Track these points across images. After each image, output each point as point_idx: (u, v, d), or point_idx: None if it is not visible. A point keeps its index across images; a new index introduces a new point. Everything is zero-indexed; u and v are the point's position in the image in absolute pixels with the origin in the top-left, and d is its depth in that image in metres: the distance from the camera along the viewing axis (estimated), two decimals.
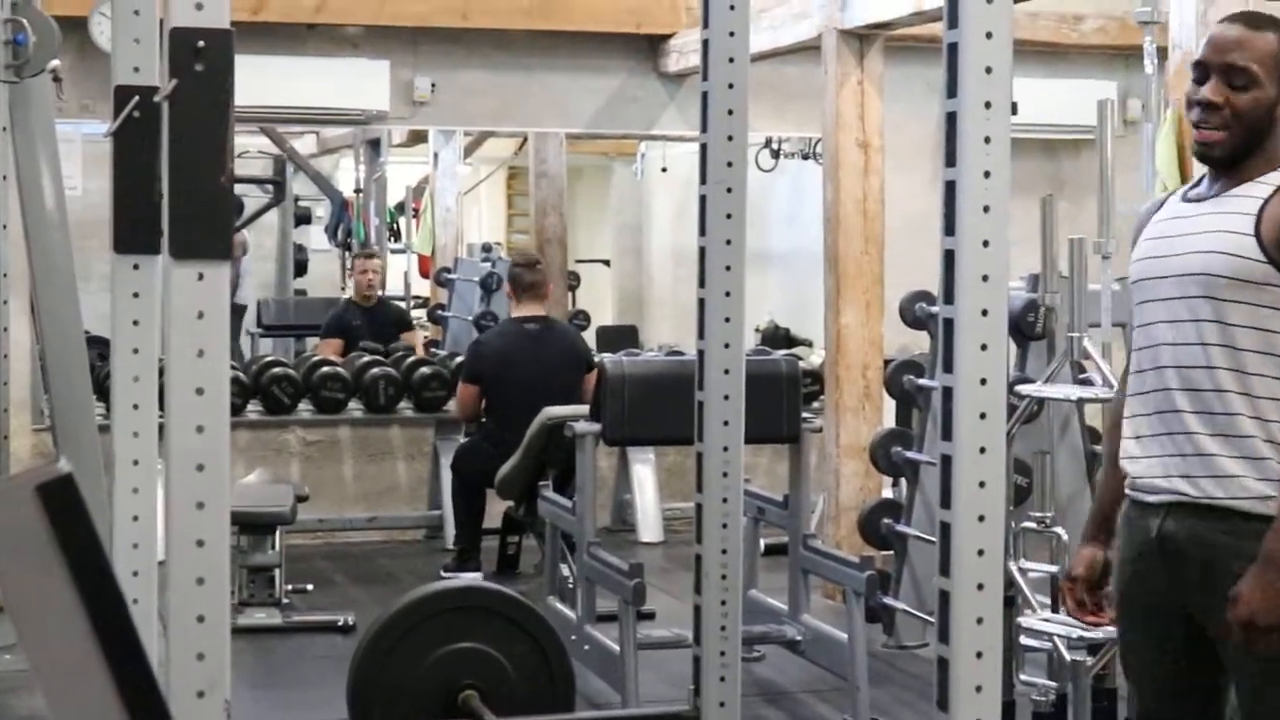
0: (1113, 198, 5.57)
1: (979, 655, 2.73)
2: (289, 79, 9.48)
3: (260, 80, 8.94)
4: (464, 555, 8.55)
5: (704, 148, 3.99)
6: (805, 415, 6.71)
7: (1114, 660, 5.35)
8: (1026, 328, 6.35)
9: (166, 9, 2.48)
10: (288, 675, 6.86)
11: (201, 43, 2.45)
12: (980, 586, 2.73)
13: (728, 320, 4.00)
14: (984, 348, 2.72)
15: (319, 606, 7.65)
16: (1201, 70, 3.23)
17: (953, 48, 2.71)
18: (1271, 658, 3.07)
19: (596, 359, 7.92)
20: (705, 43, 3.98)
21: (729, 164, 3.97)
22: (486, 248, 12.55)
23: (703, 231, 4.00)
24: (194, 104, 2.46)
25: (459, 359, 9.75)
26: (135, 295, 3.56)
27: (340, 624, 7.35)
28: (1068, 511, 6.15)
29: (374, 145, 13.99)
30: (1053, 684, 5.28)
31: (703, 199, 4.00)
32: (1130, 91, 9.79)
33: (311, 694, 6.49)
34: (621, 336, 13.07)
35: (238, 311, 12.90)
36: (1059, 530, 5.43)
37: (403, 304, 13.17)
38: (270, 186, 12.94)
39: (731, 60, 3.96)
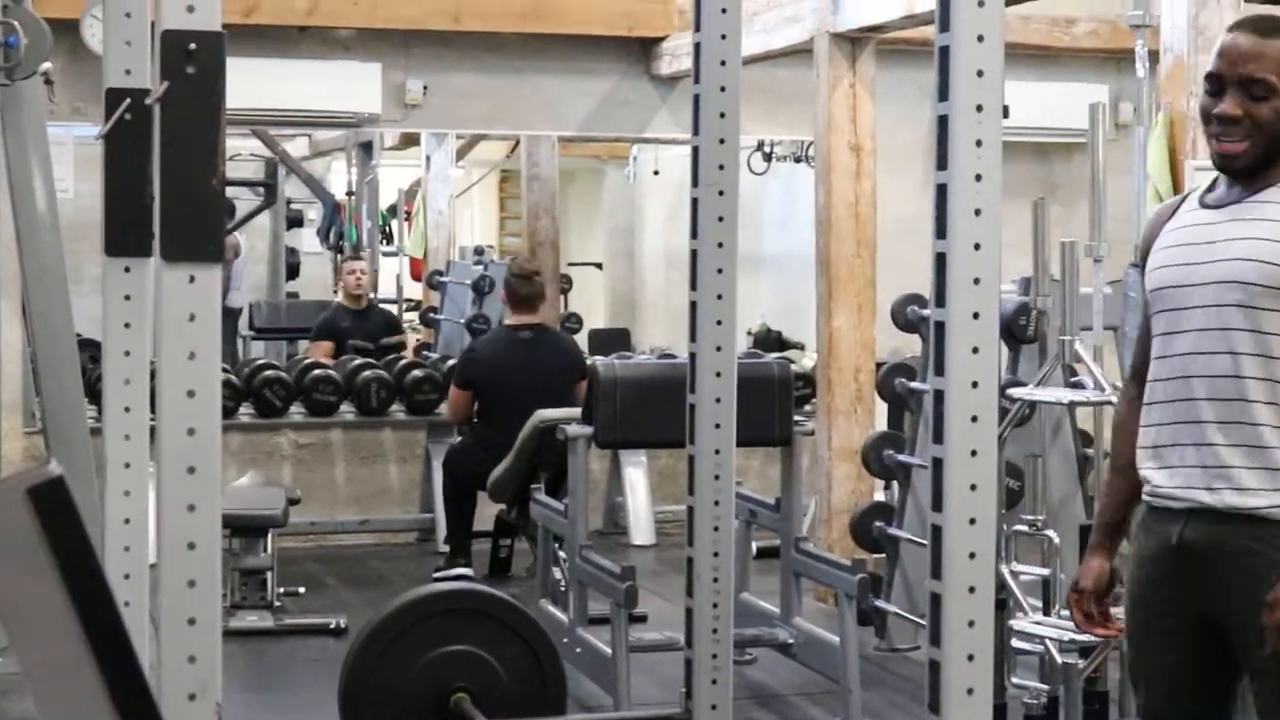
0: (1104, 201, 5.57)
1: (970, 658, 2.74)
2: (281, 82, 9.48)
3: (252, 83, 8.93)
4: (455, 554, 8.55)
5: (696, 150, 3.99)
6: (797, 418, 6.71)
7: (1105, 663, 5.36)
8: (1018, 331, 6.36)
9: (158, 12, 2.48)
10: (280, 678, 6.86)
11: (193, 45, 2.45)
12: (972, 589, 2.74)
13: (719, 323, 4.00)
14: (975, 351, 2.72)
15: (311, 609, 7.64)
16: (1216, 82, 3.19)
17: (944, 51, 2.71)
18: None
19: (589, 363, 7.91)
20: (697, 46, 3.98)
21: (721, 167, 3.98)
22: (479, 251, 12.56)
23: (694, 234, 4.00)
24: (185, 106, 2.46)
25: (451, 362, 9.74)
26: (127, 298, 3.55)
27: (332, 627, 7.34)
28: (1059, 514, 6.16)
29: (366, 148, 13.98)
30: (1044, 687, 5.28)
31: (694, 202, 4.00)
32: (1122, 95, 9.81)
33: (303, 697, 6.48)
34: (613, 339, 13.06)
35: (230, 315, 12.88)
36: (1050, 533, 5.44)
37: (394, 307, 13.18)
38: (262, 189, 12.94)
39: (723, 63, 3.96)
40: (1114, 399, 5.29)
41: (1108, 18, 9.11)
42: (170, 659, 2.46)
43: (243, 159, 13.48)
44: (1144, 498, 3.29)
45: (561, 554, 6.90)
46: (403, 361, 9.83)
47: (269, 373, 9.32)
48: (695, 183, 4.00)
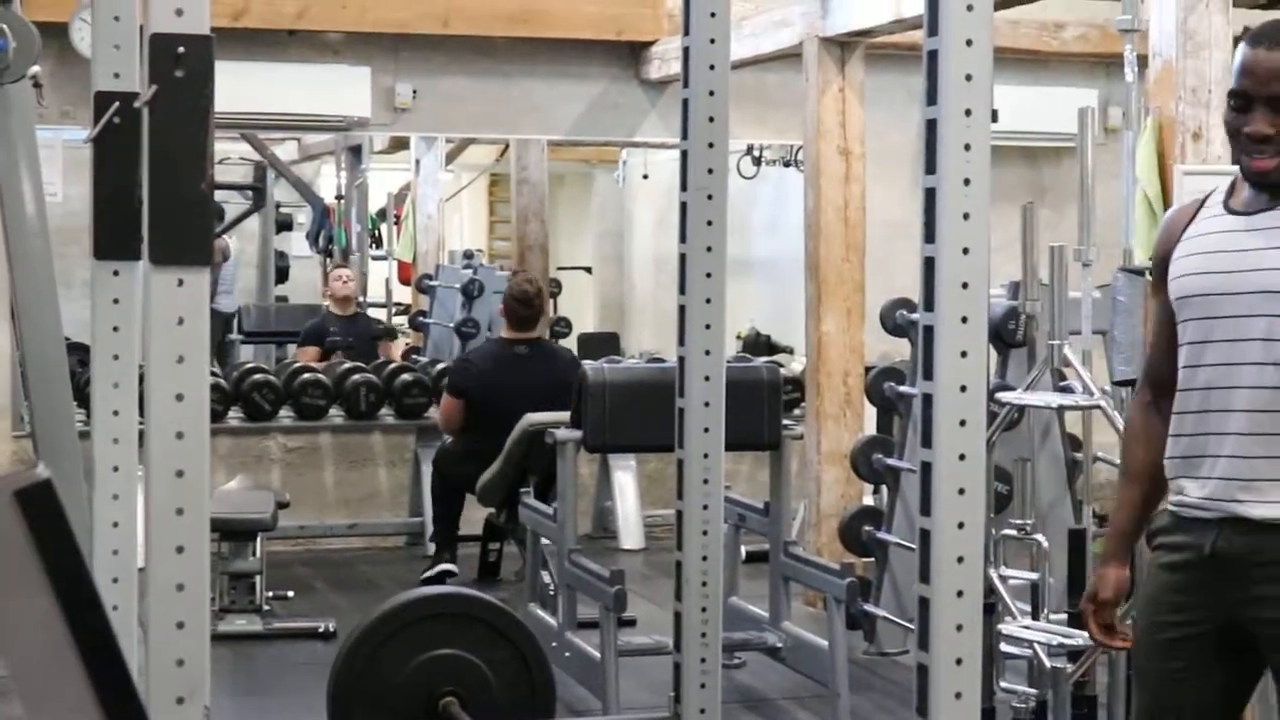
0: (1093, 206, 5.58)
1: (959, 662, 2.74)
2: (270, 85, 9.47)
3: (241, 86, 8.92)
4: (440, 551, 8.57)
5: (685, 155, 4.00)
6: (786, 422, 6.72)
7: (1094, 668, 5.36)
8: (1007, 335, 6.36)
9: (147, 15, 2.48)
10: (268, 682, 6.86)
11: (181, 49, 2.44)
12: (960, 593, 2.74)
13: (708, 327, 4.00)
14: (964, 355, 2.72)
15: (300, 613, 7.63)
16: (1243, 99, 3.14)
17: (933, 55, 2.72)
18: None
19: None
20: (686, 50, 3.98)
21: (710, 171, 3.98)
22: (468, 254, 12.55)
23: (683, 238, 4.01)
24: (174, 110, 2.45)
25: (440, 365, 9.74)
26: (115, 301, 3.55)
27: (321, 631, 7.34)
28: (1048, 519, 6.17)
29: (355, 152, 13.98)
30: (1033, 691, 5.29)
31: (683, 206, 4.00)
32: (1111, 99, 9.82)
33: (292, 701, 6.48)
34: (603, 343, 13.06)
35: (219, 319, 12.86)
36: (1039, 537, 5.44)
37: (383, 311, 13.20)
38: (250, 193, 12.93)
39: (712, 67, 3.96)
40: (1103, 403, 5.30)
41: (1097, 22, 9.12)
42: (158, 663, 2.46)
43: (232, 162, 13.47)
44: (1170, 506, 3.25)
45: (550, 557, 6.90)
46: (392, 365, 9.82)
47: (258, 376, 9.31)
48: (684, 187, 4.00)
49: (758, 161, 12.10)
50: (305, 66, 9.57)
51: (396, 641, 4.75)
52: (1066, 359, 5.43)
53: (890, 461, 6.69)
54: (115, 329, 3.55)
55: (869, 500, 7.38)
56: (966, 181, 2.70)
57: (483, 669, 4.74)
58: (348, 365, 9.67)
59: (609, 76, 10.01)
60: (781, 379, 6.81)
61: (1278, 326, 3.10)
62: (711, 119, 3.98)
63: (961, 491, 2.73)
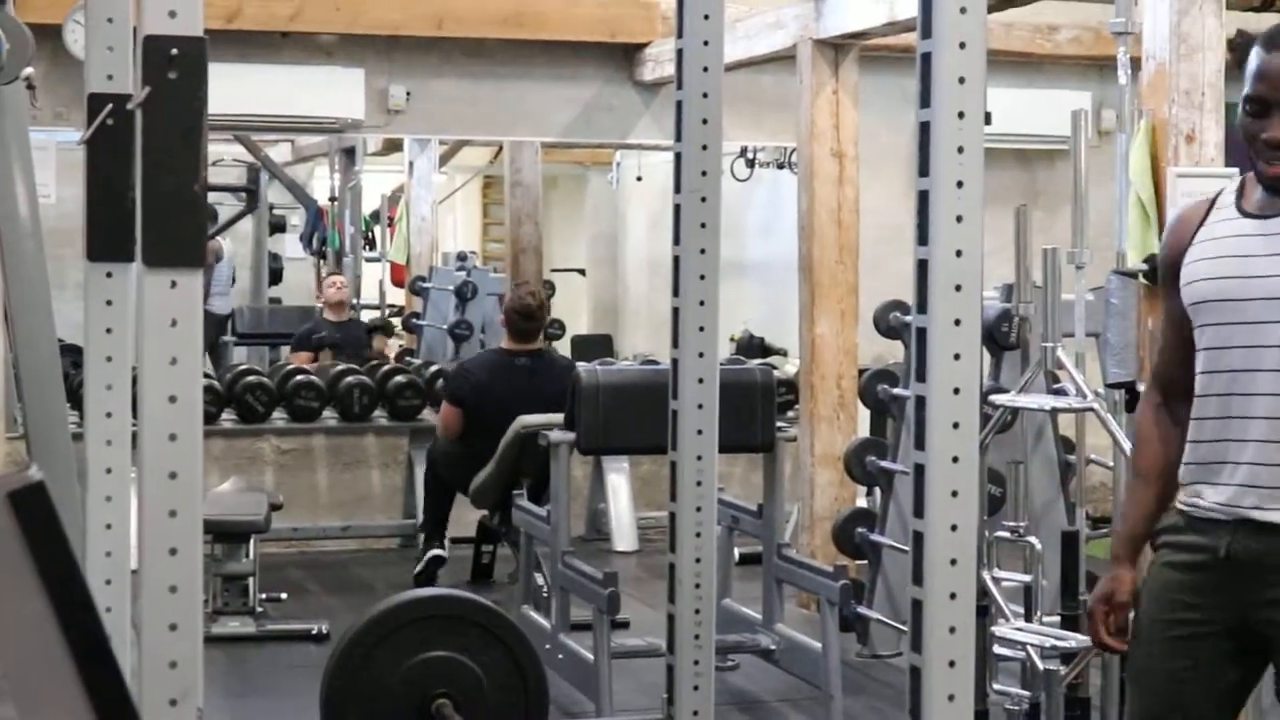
0: (1087, 208, 5.58)
1: (951, 664, 2.74)
2: (264, 87, 9.47)
3: (235, 88, 8.92)
4: (429, 539, 8.60)
5: (678, 157, 3.99)
6: (780, 424, 6.71)
7: (1087, 670, 5.36)
8: (1000, 337, 6.36)
9: (140, 17, 2.47)
10: (261, 684, 6.85)
11: (175, 50, 2.44)
12: (953, 596, 2.74)
13: (702, 329, 4.00)
14: (957, 357, 2.72)
15: (293, 615, 7.63)
16: (1260, 105, 3.11)
17: (926, 58, 2.72)
18: None
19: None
20: (680, 52, 3.98)
21: (703, 173, 3.98)
22: (461, 256, 12.56)
23: (677, 240, 4.00)
24: (167, 112, 2.45)
25: (434, 368, 9.75)
26: (108, 303, 3.55)
27: (314, 633, 7.33)
28: (1041, 521, 6.17)
29: (349, 153, 13.98)
30: (1026, 693, 5.29)
31: (677, 208, 4.00)
32: (1105, 102, 9.83)
33: (285, 703, 6.47)
34: (596, 345, 13.07)
35: (210, 320, 12.85)
36: (1032, 540, 5.45)
37: (377, 312, 13.20)
38: (244, 194, 12.94)
39: (706, 69, 3.96)
40: (1096, 406, 5.31)
41: (1090, 25, 9.13)
42: (151, 664, 2.46)
43: (225, 164, 13.47)
44: (1182, 507, 3.22)
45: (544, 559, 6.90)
46: (385, 368, 9.83)
47: (251, 378, 9.30)
48: (678, 189, 4.00)
49: (751, 164, 12.10)
50: (299, 68, 9.56)
51: (389, 643, 4.75)
52: (1060, 361, 5.43)
53: (884, 464, 6.69)
54: (108, 331, 3.55)
55: (862, 502, 7.38)
56: (960, 184, 2.70)
57: (476, 671, 4.74)
58: (341, 367, 9.67)
59: (603, 78, 10.01)
60: (775, 381, 6.81)
61: None
62: (705, 121, 3.97)
63: (954, 494, 2.73)
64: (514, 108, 9.94)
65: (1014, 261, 5.64)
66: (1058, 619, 5.45)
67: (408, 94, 9.74)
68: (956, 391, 2.72)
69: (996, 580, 5.43)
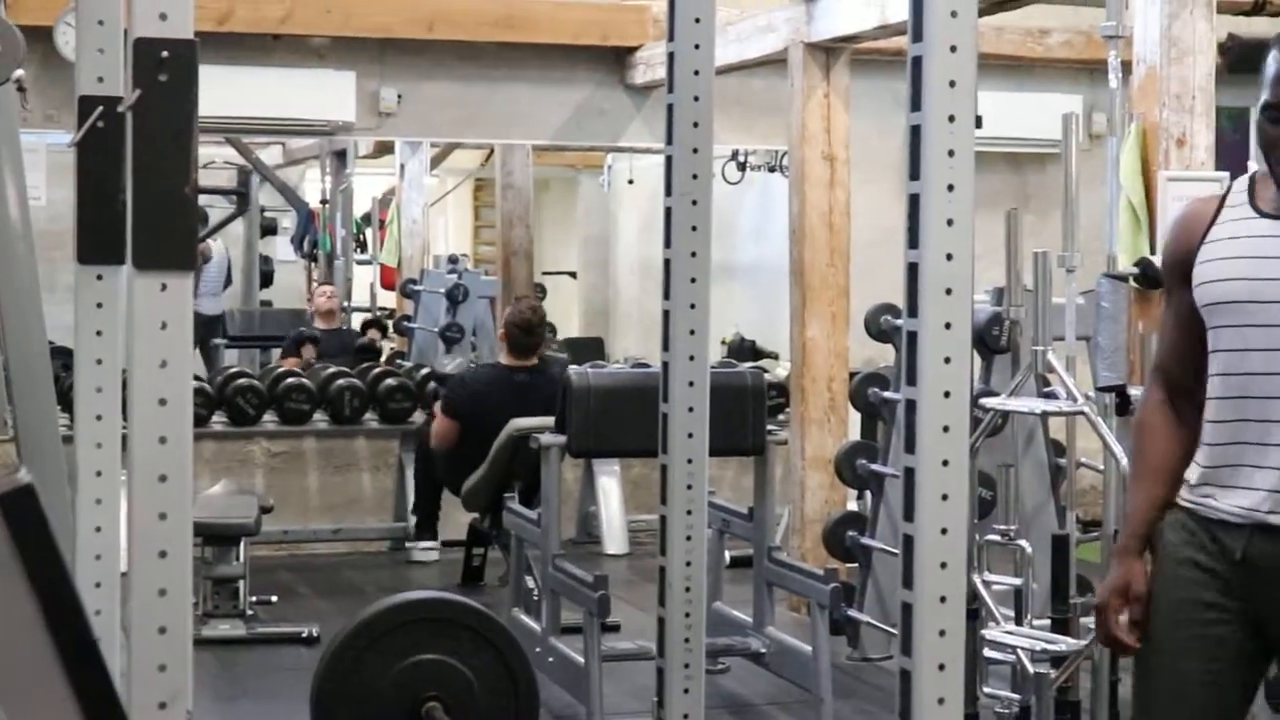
0: (1077, 211, 5.59)
1: (941, 668, 2.74)
2: (255, 89, 9.46)
3: (226, 91, 8.91)
4: (421, 527, 8.60)
5: (669, 160, 3.99)
6: (770, 428, 6.72)
7: (1077, 673, 5.37)
8: (991, 341, 6.38)
9: (131, 19, 2.47)
10: (251, 687, 6.85)
11: (165, 53, 2.44)
12: (943, 599, 2.74)
13: (692, 332, 4.00)
14: (947, 361, 2.72)
15: (283, 618, 7.63)
16: (1276, 111, 3.09)
17: (916, 61, 2.72)
18: None
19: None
20: (670, 55, 3.98)
21: (694, 176, 3.98)
22: (453, 259, 12.55)
23: (668, 244, 4.00)
24: (158, 114, 2.45)
25: (424, 370, 9.74)
26: (99, 306, 3.54)
27: (304, 636, 7.33)
28: (1032, 524, 6.18)
29: (340, 156, 13.98)
30: (1016, 696, 5.29)
31: (668, 211, 4.00)
32: (1096, 105, 9.83)
33: (275, 706, 6.47)
34: (587, 348, 13.07)
35: (202, 321, 12.85)
36: (1023, 543, 5.45)
37: (368, 314, 13.20)
38: (234, 197, 12.93)
39: (696, 73, 3.96)
40: (1086, 409, 5.31)
41: (1081, 28, 9.14)
42: (141, 667, 2.46)
43: (216, 167, 13.46)
44: (1190, 507, 3.19)
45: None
46: (376, 370, 9.82)
47: (242, 381, 9.30)
48: (668, 192, 4.00)
49: (743, 167, 12.12)
50: (290, 71, 9.55)
51: (380, 646, 4.75)
52: (1050, 365, 5.44)
53: (874, 467, 6.70)
54: (98, 333, 3.55)
55: (853, 505, 7.39)
56: (950, 187, 2.70)
57: (466, 674, 4.74)
58: (332, 370, 9.66)
59: (594, 81, 10.01)
60: (766, 384, 6.81)
61: None
62: (696, 124, 3.97)
63: (944, 497, 2.73)
64: (505, 110, 9.93)
65: (1005, 265, 5.65)
66: (1048, 622, 5.45)
67: (399, 96, 9.74)
68: (947, 395, 2.72)
69: (987, 583, 5.43)
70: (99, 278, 3.55)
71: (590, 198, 16.26)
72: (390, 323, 13.01)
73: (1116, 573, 3.26)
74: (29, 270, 4.37)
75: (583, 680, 5.99)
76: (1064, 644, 5.23)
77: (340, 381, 9.40)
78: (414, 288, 12.36)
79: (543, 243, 14.97)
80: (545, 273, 15.18)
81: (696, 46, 3.96)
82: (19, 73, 5.02)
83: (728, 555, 7.26)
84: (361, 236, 14.87)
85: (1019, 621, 5.41)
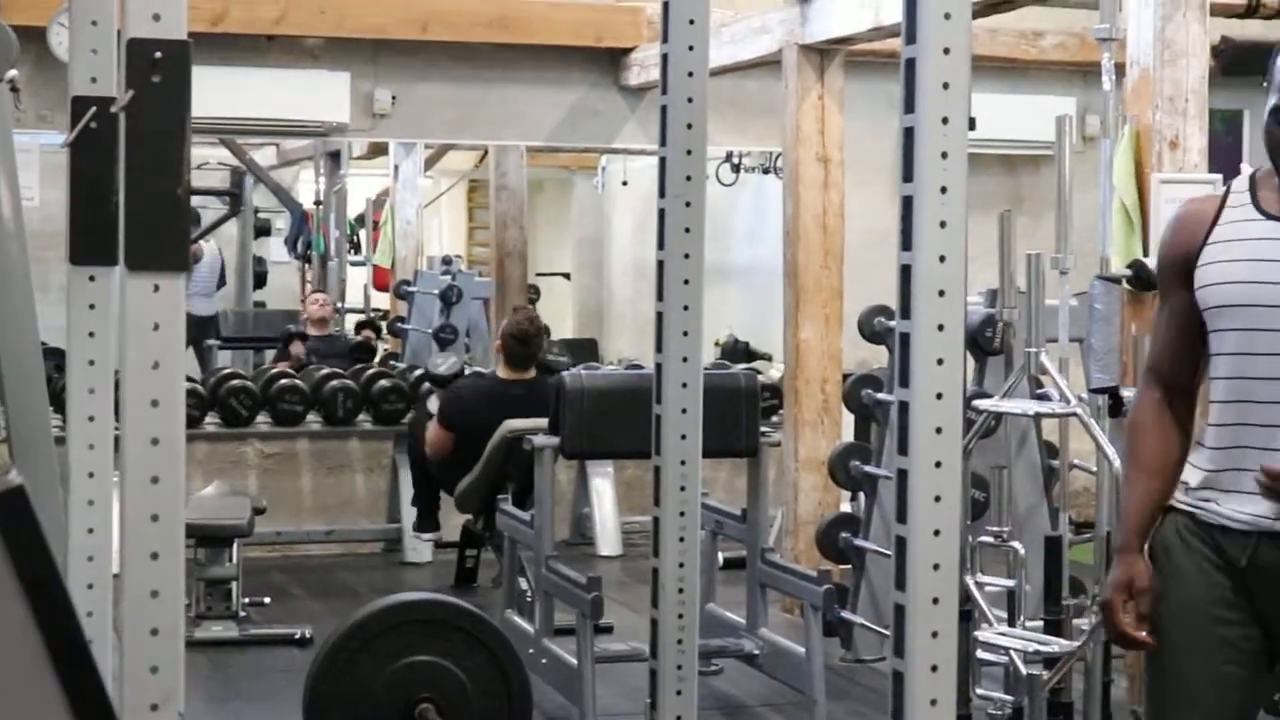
0: (1071, 213, 5.60)
1: (934, 669, 2.74)
2: (249, 90, 9.46)
3: (220, 91, 8.92)
4: (422, 518, 8.64)
5: (663, 161, 3.99)
6: (764, 429, 6.72)
7: (1070, 674, 5.37)
8: (984, 342, 6.37)
9: (124, 20, 2.47)
10: (244, 688, 6.84)
11: (159, 54, 2.44)
12: (935, 600, 2.74)
13: (686, 334, 4.00)
14: (940, 362, 2.72)
15: (276, 619, 7.62)
16: None
17: (910, 63, 2.72)
18: None
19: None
20: (664, 57, 3.98)
21: (688, 178, 3.97)
22: (446, 260, 12.55)
23: (661, 245, 4.00)
24: (151, 115, 2.45)
25: (418, 372, 9.73)
26: (91, 307, 3.54)
27: (298, 637, 7.33)
28: (1024, 526, 6.18)
29: (334, 157, 13.96)
30: (1009, 698, 5.30)
31: (661, 213, 4.00)
32: (1090, 107, 9.84)
33: (268, 707, 6.47)
34: (581, 350, 13.07)
35: (194, 322, 12.82)
36: (1016, 544, 5.45)
37: (362, 316, 13.20)
38: (227, 198, 12.92)
39: (691, 74, 3.96)
40: (1079, 411, 5.31)
41: (1075, 31, 9.15)
42: (133, 669, 2.45)
43: (210, 168, 13.45)
44: (1190, 510, 3.17)
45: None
46: (370, 372, 9.82)
47: (235, 382, 9.29)
48: (662, 194, 4.00)
49: (737, 168, 12.12)
50: (284, 72, 9.55)
51: (373, 648, 4.75)
52: (1043, 366, 5.44)
53: (868, 468, 6.70)
54: (91, 334, 3.55)
55: (846, 507, 7.39)
56: (943, 189, 2.70)
57: (459, 676, 4.74)
58: (325, 371, 9.65)
59: (588, 83, 10.01)
60: (759, 386, 6.81)
61: None
62: (690, 126, 3.97)
63: (937, 499, 2.73)
64: (499, 111, 9.93)
65: (998, 267, 5.65)
66: (1041, 624, 5.46)
67: (393, 98, 9.74)
68: (939, 396, 2.72)
69: (980, 585, 5.43)
70: (91, 279, 3.55)
71: (584, 199, 16.26)
72: (384, 324, 13.01)
73: (1118, 570, 3.23)
74: (22, 271, 4.36)
75: (576, 682, 5.98)
76: (1057, 645, 5.24)
77: (334, 383, 9.39)
78: (408, 289, 12.36)
79: (537, 244, 14.96)
80: (539, 274, 15.17)
81: (691, 48, 3.96)
82: (12, 73, 5.01)
83: (721, 557, 7.26)
84: (355, 238, 14.85)
85: (1012, 623, 5.41)
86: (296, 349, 11.28)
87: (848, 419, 7.44)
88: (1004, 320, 5.90)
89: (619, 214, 15.60)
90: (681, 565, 4.07)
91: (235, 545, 7.42)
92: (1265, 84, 3.13)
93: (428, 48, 9.63)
